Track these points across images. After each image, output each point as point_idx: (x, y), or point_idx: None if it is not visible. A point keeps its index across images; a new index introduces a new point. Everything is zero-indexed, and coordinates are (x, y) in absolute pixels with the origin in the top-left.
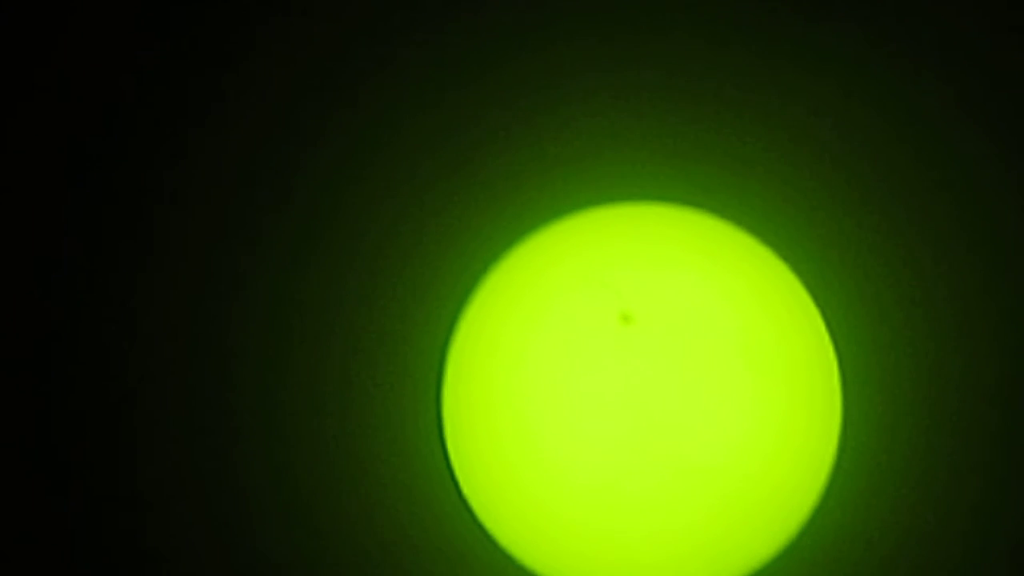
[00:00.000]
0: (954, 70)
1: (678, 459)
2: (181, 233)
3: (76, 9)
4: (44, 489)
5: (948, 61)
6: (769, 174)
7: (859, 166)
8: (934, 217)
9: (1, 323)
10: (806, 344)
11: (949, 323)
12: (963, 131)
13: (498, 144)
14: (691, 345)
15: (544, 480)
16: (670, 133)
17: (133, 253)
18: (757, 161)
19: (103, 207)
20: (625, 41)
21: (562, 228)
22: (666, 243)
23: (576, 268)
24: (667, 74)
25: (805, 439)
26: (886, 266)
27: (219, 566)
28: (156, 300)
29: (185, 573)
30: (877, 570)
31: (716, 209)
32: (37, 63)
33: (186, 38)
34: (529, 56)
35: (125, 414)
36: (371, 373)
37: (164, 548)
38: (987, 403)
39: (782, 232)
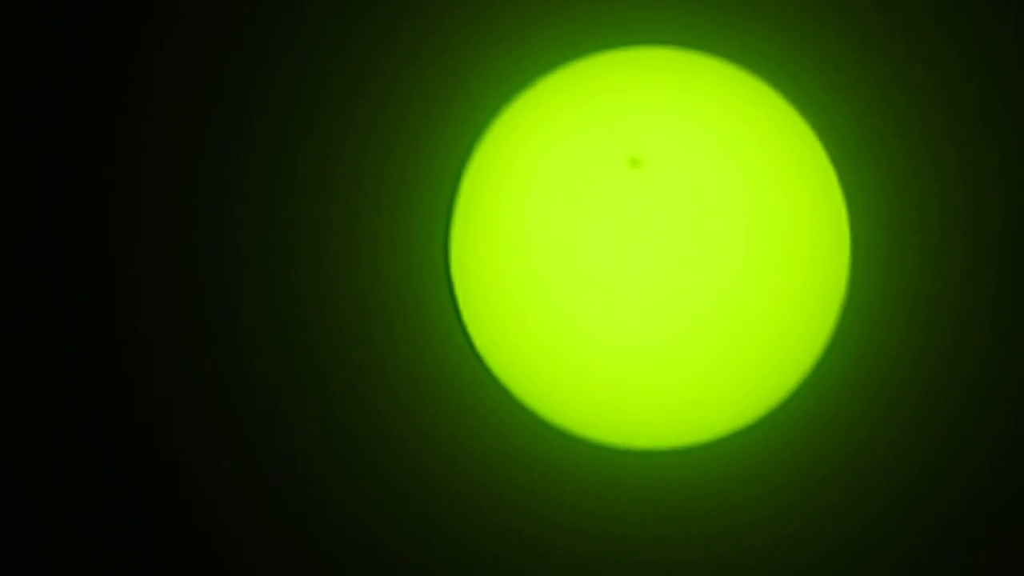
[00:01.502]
0: None
1: (685, 303)
2: (182, 86)
3: None
4: (39, 322)
5: None
6: (777, 17)
7: (864, 7)
8: (937, 55)
9: None
10: (814, 186)
11: (953, 162)
12: None
13: None
14: (700, 189)
15: (552, 324)
16: None
17: (137, 98)
18: (765, 4)
19: (101, 57)
20: None
21: (571, 72)
22: (676, 87)
23: (585, 112)
24: None
25: (813, 282)
26: (892, 107)
27: (221, 408)
28: (158, 152)
29: (182, 411)
30: (885, 410)
31: (724, 52)
32: None
33: None
34: None
35: (124, 256)
36: (377, 217)
37: (162, 383)
38: (993, 241)
39: (789, 75)
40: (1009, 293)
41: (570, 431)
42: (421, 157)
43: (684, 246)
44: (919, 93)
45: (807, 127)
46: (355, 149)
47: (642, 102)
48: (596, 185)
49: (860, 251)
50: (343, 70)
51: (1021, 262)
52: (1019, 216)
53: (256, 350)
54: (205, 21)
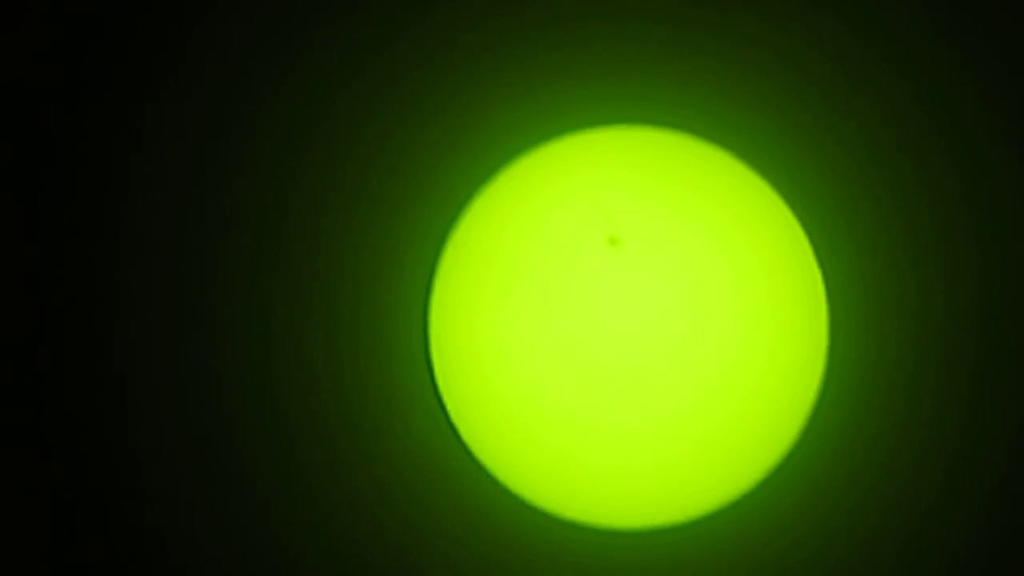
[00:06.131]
0: None
1: (663, 384)
2: (165, 152)
3: None
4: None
5: None
6: (758, 98)
7: (845, 89)
8: (919, 141)
9: None
10: (793, 268)
11: (933, 247)
12: (944, 54)
13: (488, 63)
14: (678, 269)
15: (529, 403)
16: (659, 57)
17: (119, 163)
18: (746, 85)
19: (95, 106)
20: None
21: (550, 151)
22: (655, 167)
23: (564, 190)
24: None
25: (792, 362)
26: (872, 190)
27: (206, 501)
28: (141, 215)
29: (167, 495)
30: (864, 493)
31: (705, 133)
32: None
33: None
34: None
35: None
36: (356, 296)
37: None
38: (971, 327)
39: (770, 156)
40: (986, 376)
41: (552, 512)
42: (400, 236)
43: (662, 327)
44: (901, 177)
45: (786, 207)
46: (332, 235)
47: (621, 181)
48: (575, 264)
49: (838, 329)
50: (320, 153)
51: (996, 350)
52: (996, 305)
53: (239, 440)
54: (175, 123)
